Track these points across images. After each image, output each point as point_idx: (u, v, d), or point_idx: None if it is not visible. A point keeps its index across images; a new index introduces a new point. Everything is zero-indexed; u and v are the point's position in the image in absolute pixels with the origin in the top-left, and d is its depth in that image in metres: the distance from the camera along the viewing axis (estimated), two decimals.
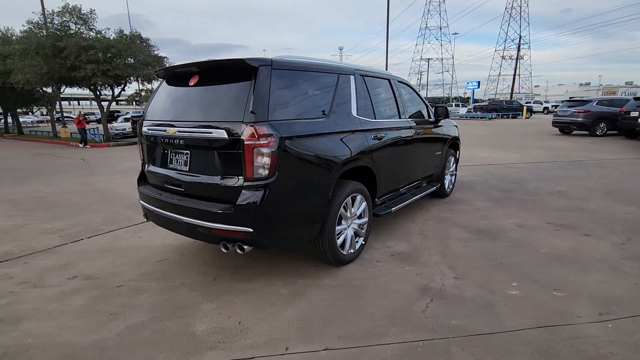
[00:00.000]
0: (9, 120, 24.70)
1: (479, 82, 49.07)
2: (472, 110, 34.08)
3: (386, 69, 24.40)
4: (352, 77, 3.15)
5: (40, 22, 14.12)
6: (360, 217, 3.16)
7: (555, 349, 1.96)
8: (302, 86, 2.66)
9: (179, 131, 2.54)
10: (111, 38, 13.84)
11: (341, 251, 2.93)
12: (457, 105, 41.79)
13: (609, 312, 2.31)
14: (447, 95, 79.15)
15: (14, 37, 16.44)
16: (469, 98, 57.77)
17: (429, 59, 62.82)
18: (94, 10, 14.06)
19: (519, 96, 52.94)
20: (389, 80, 3.78)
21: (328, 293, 2.61)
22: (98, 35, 13.85)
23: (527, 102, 39.81)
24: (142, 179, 3.08)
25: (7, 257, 3.33)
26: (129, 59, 13.74)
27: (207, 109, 2.51)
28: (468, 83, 51.02)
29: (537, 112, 36.61)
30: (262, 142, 2.22)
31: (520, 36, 50.61)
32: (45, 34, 13.60)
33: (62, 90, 17.71)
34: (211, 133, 2.36)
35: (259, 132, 2.21)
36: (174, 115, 2.69)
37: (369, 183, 3.24)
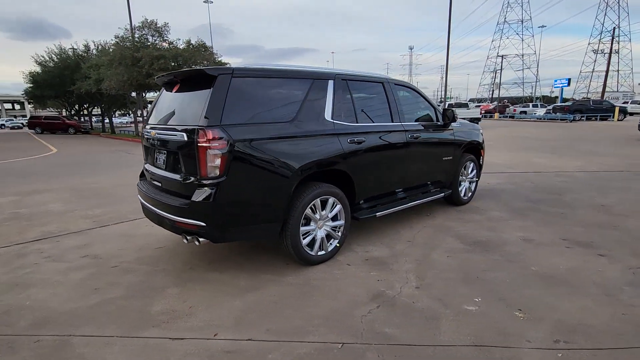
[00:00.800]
0: (106, 120, 28.73)
1: (569, 80, 43.66)
2: (551, 111, 30.75)
3: (446, 69, 23.24)
4: (330, 82, 3.21)
5: (124, 36, 16.29)
6: (334, 219, 3.21)
7: None
8: (266, 92, 2.82)
9: (157, 133, 2.88)
10: (180, 47, 15.41)
11: (308, 251, 3.02)
12: (534, 106, 37.99)
13: (569, 340, 2.08)
14: (528, 95, 72.24)
15: (110, 50, 19.19)
16: (556, 97, 51.94)
17: (502, 55, 57.67)
18: (167, 23, 15.80)
19: (615, 95, 46.24)
20: (382, 83, 3.74)
21: (283, 289, 2.73)
22: (169, 46, 15.51)
23: (623, 102, 34.68)
24: (142, 176, 3.50)
25: (46, 235, 4.03)
26: (194, 66, 15.17)
27: (179, 114, 2.81)
28: (556, 81, 45.67)
29: (636, 113, 31.54)
30: (213, 145, 2.43)
31: (615, 27, 44.07)
32: (129, 45, 15.66)
33: (144, 95, 20.14)
34: (176, 136, 2.64)
35: (210, 136, 2.42)
36: (159, 119, 3.05)
37: (347, 186, 3.28)
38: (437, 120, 4.37)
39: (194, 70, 2.67)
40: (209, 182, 2.49)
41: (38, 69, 25.46)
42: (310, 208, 2.97)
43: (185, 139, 2.55)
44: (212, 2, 35.82)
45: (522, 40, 73.91)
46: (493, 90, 67.77)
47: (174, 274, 3.02)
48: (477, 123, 22.05)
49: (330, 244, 3.22)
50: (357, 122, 3.35)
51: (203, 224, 2.51)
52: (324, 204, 3.09)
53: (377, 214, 3.54)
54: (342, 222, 3.24)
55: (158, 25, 15.65)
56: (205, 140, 2.42)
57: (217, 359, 1.97)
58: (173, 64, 14.51)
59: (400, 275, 2.91)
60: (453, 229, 3.98)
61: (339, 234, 3.25)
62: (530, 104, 39.57)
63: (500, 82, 55.74)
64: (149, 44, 15.47)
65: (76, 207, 5.20)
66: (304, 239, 2.98)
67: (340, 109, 3.22)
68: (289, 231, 2.85)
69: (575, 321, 2.26)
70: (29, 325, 2.31)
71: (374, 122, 3.56)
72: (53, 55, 24.68)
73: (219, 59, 16.69)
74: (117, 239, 3.87)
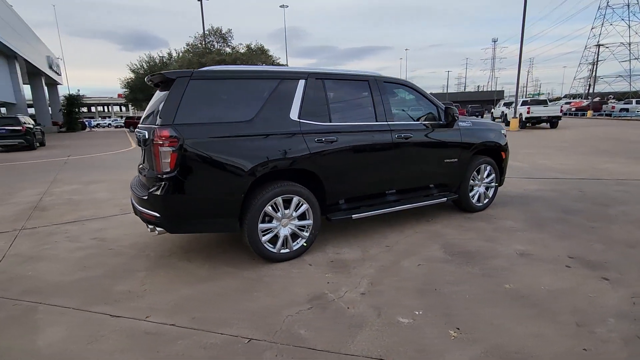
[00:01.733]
0: None
1: None
2: None
3: (519, 60, 20.91)
4: (301, 81, 3.22)
5: (194, 43, 17.94)
6: (302, 218, 3.22)
7: None
8: (227, 93, 2.94)
9: (138, 131, 3.20)
10: (241, 52, 16.47)
11: (269, 248, 3.08)
12: (638, 102, 32.36)
13: None
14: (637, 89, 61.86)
15: (189, 56, 21.28)
16: None
17: (602, 44, 50.08)
18: (231, 29, 17.00)
19: None
20: (368, 81, 3.62)
21: (236, 282, 2.83)
22: (232, 51, 16.68)
23: None
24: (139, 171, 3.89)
25: (79, 219, 4.70)
26: None
27: (152, 114, 3.07)
28: None
29: None
30: (164, 143, 2.63)
31: None
32: (198, 51, 17.21)
33: None
34: (144, 134, 2.91)
35: (161, 134, 2.63)
36: (144, 118, 3.37)
37: (317, 185, 3.26)
38: (440, 119, 4.07)
39: (158, 73, 2.90)
40: (162, 176, 2.70)
41: (132, 75, 29.34)
42: (271, 206, 3.03)
43: (146, 136, 2.80)
44: (287, 7, 37.46)
45: (629, 27, 63.42)
46: (590, 85, 59.26)
47: (153, 259, 3.33)
48: (556, 122, 19.77)
49: (297, 243, 3.23)
50: (330, 122, 3.30)
51: (158, 214, 2.74)
52: (288, 203, 3.12)
53: (352, 216, 3.45)
54: (310, 221, 3.23)
55: (223, 32, 16.94)
56: (157, 138, 2.64)
57: (135, 338, 2.15)
58: None
59: (353, 280, 2.81)
60: (445, 237, 3.69)
61: (307, 233, 3.25)
62: (634, 100, 33.77)
63: (595, 75, 48.54)
64: (214, 49, 16.85)
65: (116, 197, 5.94)
66: (264, 235, 3.05)
67: (310, 108, 3.22)
68: (246, 227, 2.94)
69: (515, 348, 1.98)
70: (20, 292, 2.76)
71: (352, 122, 3.47)
72: (143, 63, 28.20)
73: (277, 61, 17.45)
74: (128, 226, 4.35)
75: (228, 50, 16.87)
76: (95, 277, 3.00)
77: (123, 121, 47.70)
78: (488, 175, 4.52)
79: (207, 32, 16.95)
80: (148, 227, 2.94)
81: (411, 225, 4.07)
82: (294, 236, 3.22)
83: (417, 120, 4.02)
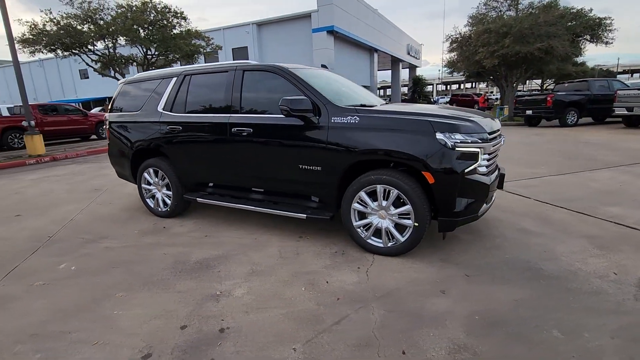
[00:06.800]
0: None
1: None
2: None
3: None
4: (173, 79, 3.94)
5: None
6: (168, 189, 4.14)
7: None
8: (137, 91, 4.29)
9: None
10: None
11: (151, 206, 4.33)
12: None
13: None
14: None
15: None
16: None
17: None
18: None
19: None
20: (227, 72, 3.56)
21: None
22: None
23: None
24: None
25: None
26: None
27: None
28: None
29: None
30: (105, 124, 4.54)
31: None
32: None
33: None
34: None
35: (103, 118, 4.55)
36: None
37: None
38: (317, 114, 3.11)
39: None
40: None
41: None
42: (147, 173, 4.21)
43: None
44: None
45: None
46: None
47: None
48: None
49: (166, 205, 4.20)
50: (184, 113, 3.81)
51: None
52: (156, 174, 4.16)
53: (197, 199, 3.85)
54: (170, 192, 4.09)
55: None
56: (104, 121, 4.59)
57: None
58: None
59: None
60: (192, 254, 3.16)
61: (170, 201, 4.13)
62: None
63: None
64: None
65: None
66: (147, 195, 4.32)
67: (174, 101, 3.90)
68: (139, 184, 4.37)
69: None
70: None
71: (197, 114, 3.72)
72: None
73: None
74: None
75: None
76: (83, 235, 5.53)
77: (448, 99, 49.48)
78: (398, 205, 2.83)
79: None
80: None
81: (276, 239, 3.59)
82: (164, 202, 4.20)
83: (251, 112, 3.44)
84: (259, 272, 2.80)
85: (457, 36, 16.35)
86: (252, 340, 2.00)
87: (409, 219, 2.80)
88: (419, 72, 48.14)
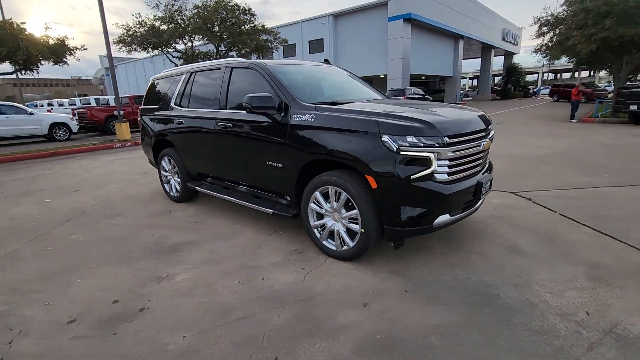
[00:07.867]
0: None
1: None
2: None
3: None
4: (183, 76, 4.29)
5: None
6: (175, 174, 4.59)
7: None
8: (161, 87, 4.76)
9: None
10: None
11: (167, 190, 4.83)
12: None
13: None
14: None
15: None
16: None
17: None
18: None
19: None
20: (219, 69, 3.75)
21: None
22: None
23: None
24: None
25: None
26: None
27: None
28: None
29: None
30: (137, 116, 5.15)
31: None
32: None
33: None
34: None
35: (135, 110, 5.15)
36: None
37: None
38: (282, 111, 3.13)
39: None
40: None
41: None
42: (164, 161, 4.71)
43: None
44: None
45: None
46: None
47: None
48: None
49: (177, 190, 4.65)
50: (188, 107, 4.14)
51: None
52: (169, 162, 4.61)
53: (196, 187, 4.19)
54: (178, 179, 4.52)
55: None
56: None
57: None
58: None
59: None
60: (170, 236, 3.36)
61: (178, 188, 4.56)
62: None
63: None
64: None
65: None
66: (165, 180, 4.83)
67: (182, 97, 4.26)
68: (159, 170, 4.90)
69: None
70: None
71: (195, 109, 4.00)
72: None
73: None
74: None
75: None
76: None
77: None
78: (349, 209, 2.73)
79: None
80: None
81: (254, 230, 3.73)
82: (176, 188, 4.65)
83: (235, 108, 3.57)
84: (212, 260, 2.97)
85: (549, 18, 14.17)
86: (157, 322, 2.17)
87: (357, 224, 2.67)
88: (517, 59, 43.16)
